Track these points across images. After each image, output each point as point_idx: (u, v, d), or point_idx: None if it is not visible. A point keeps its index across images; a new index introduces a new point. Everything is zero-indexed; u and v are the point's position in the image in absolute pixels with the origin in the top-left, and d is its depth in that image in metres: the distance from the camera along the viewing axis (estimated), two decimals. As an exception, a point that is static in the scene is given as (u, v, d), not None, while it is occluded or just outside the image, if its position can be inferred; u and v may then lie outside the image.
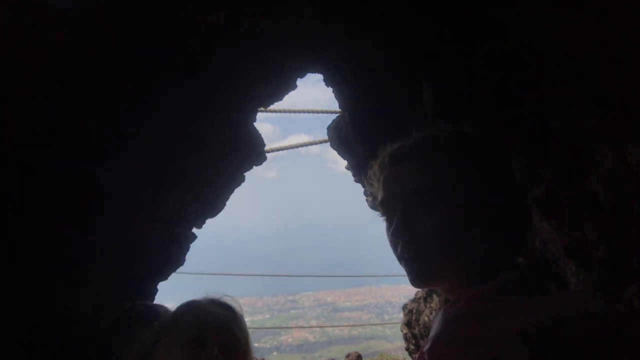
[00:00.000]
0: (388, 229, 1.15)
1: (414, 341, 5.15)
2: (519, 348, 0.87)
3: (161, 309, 2.38)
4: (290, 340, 32.86)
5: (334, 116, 4.37)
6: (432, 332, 1.00)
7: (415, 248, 1.09)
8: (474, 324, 0.95)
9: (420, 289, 5.09)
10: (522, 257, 1.11)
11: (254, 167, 3.62)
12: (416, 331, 5.10)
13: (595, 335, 0.90)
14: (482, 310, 0.97)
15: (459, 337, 0.95)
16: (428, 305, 4.99)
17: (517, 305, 0.96)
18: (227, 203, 3.67)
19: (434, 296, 4.85)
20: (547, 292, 1.03)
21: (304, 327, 33.28)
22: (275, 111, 5.56)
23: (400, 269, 1.21)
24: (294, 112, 6.34)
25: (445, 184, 1.06)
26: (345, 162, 4.34)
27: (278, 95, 3.33)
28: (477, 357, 0.91)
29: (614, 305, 1.13)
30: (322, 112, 5.85)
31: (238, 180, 3.54)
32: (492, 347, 0.90)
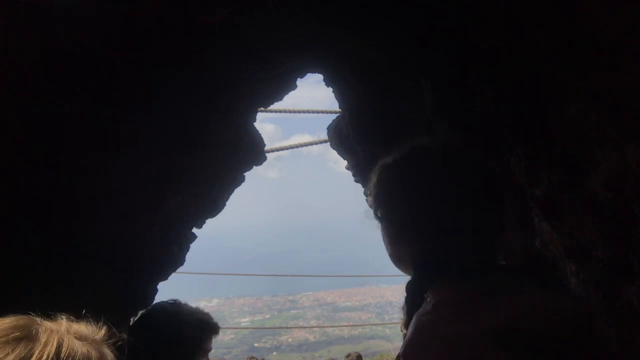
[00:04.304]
0: None
1: (414, 341, 5.14)
2: (485, 346, 0.92)
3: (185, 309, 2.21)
4: (290, 340, 32.84)
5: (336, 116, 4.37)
6: (406, 337, 1.07)
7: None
8: (442, 326, 1.01)
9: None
10: (504, 260, 1.15)
11: (255, 167, 3.62)
12: (416, 331, 5.09)
13: (558, 332, 0.94)
14: (450, 313, 1.02)
15: (429, 340, 1.01)
16: (428, 305, 4.98)
17: (483, 306, 1.00)
18: (228, 203, 3.67)
19: (434, 296, 4.84)
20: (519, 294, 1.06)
21: (304, 327, 33.26)
22: (276, 111, 5.57)
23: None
24: (294, 112, 6.34)
25: (400, 217, 1.17)
26: (345, 162, 4.34)
27: (278, 95, 3.33)
28: (446, 356, 0.96)
29: (581, 304, 1.19)
30: (323, 112, 5.85)
31: (238, 180, 3.55)
32: (460, 347, 0.95)
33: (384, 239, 1.24)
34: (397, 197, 1.19)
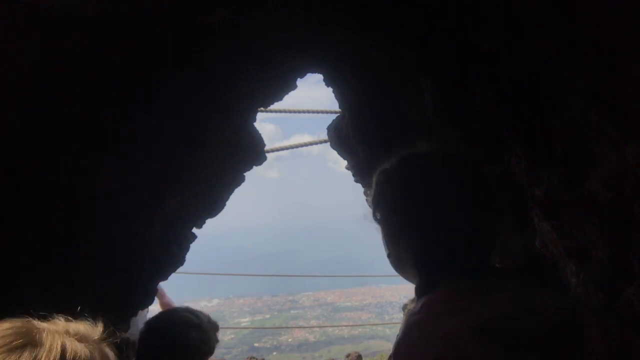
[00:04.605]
0: None
1: (414, 341, 5.13)
2: (467, 341, 0.96)
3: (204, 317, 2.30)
4: (290, 340, 32.82)
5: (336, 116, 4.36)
6: (397, 338, 1.10)
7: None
8: (430, 325, 1.04)
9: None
10: (504, 261, 1.17)
11: (255, 167, 3.62)
12: (416, 331, 5.08)
13: (546, 329, 0.98)
14: (438, 312, 1.06)
15: (417, 338, 1.04)
16: (428, 305, 4.98)
17: (469, 304, 1.04)
18: (228, 203, 3.67)
19: (434, 296, 4.83)
20: (509, 292, 1.08)
21: (304, 327, 33.26)
22: (276, 111, 5.56)
23: (399, 269, 1.30)
24: (295, 112, 6.34)
25: (400, 218, 1.19)
26: (345, 162, 4.34)
27: (278, 95, 3.33)
28: (433, 353, 0.99)
29: (572, 302, 1.28)
30: (323, 112, 5.85)
31: (238, 180, 3.54)
32: (446, 343, 0.98)
33: (383, 241, 1.25)
34: (396, 198, 1.21)
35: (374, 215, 1.26)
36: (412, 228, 1.16)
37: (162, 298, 3.83)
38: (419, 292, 1.15)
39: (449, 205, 1.13)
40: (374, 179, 1.28)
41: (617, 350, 1.49)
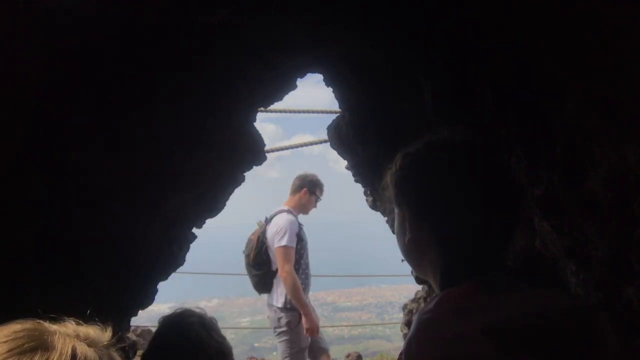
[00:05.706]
0: None
1: (414, 341, 5.13)
2: (482, 343, 0.93)
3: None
4: (290, 340, 32.72)
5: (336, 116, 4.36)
6: (408, 335, 1.06)
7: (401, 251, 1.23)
8: (443, 324, 1.01)
9: (420, 289, 5.10)
10: (508, 260, 1.15)
11: (256, 167, 3.62)
12: (416, 331, 5.08)
13: (553, 328, 0.95)
14: (451, 311, 1.03)
15: (430, 338, 1.01)
16: (428, 305, 4.97)
17: (484, 304, 1.01)
18: (228, 203, 3.67)
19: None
20: (519, 292, 1.06)
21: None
22: (276, 111, 5.56)
23: (400, 269, 1.28)
24: (295, 112, 6.34)
25: (427, 202, 1.15)
26: (345, 162, 4.34)
27: (278, 95, 3.33)
28: (446, 354, 0.97)
29: (580, 299, 1.19)
30: (323, 112, 5.84)
31: (238, 180, 3.54)
32: (459, 344, 0.96)
33: (399, 228, 1.22)
34: (426, 180, 1.16)
35: (396, 200, 1.22)
36: (441, 212, 1.12)
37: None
38: (439, 285, 1.13)
39: (475, 195, 1.10)
40: (397, 162, 1.22)
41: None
